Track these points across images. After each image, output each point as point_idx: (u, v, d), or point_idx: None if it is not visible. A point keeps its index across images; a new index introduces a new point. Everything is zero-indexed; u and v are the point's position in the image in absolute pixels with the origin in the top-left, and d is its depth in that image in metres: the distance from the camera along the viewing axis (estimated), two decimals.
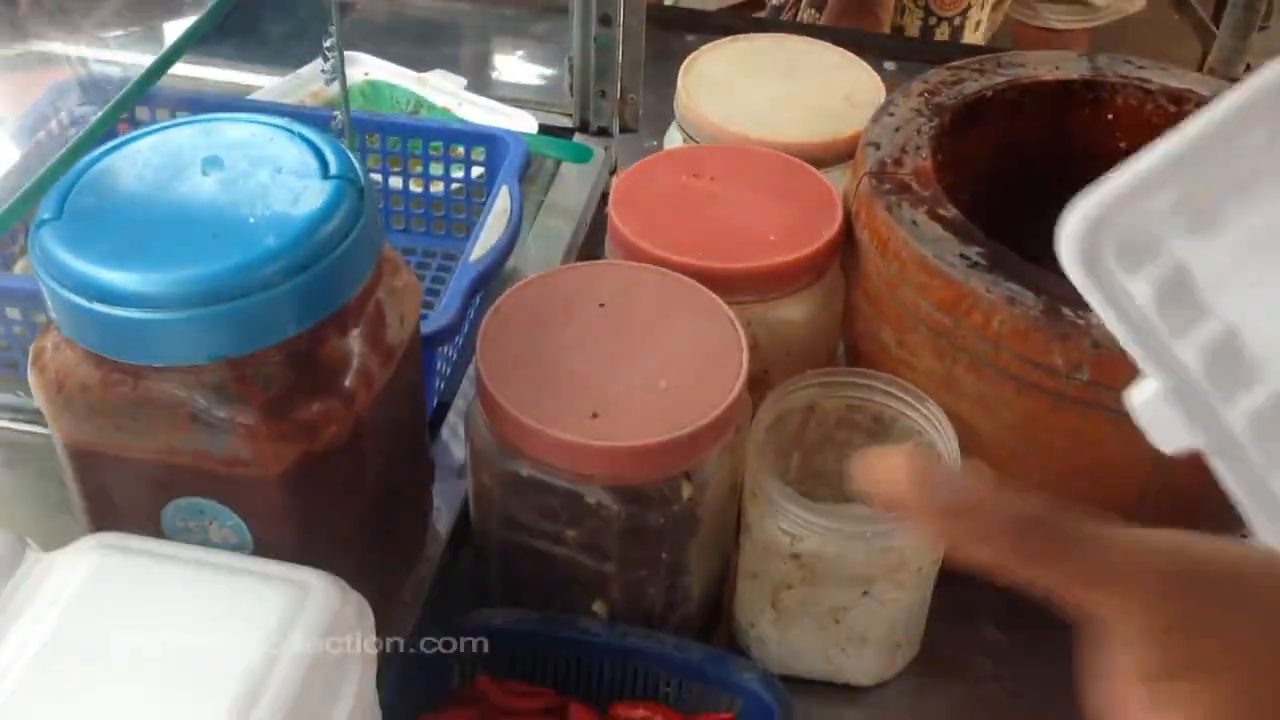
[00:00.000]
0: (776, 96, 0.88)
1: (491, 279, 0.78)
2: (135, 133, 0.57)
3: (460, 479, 0.75)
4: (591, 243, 1.03)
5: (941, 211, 0.72)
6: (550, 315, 0.66)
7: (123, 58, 1.01)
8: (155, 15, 1.08)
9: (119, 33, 1.03)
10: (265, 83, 1.08)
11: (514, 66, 1.30)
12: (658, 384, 0.63)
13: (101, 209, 0.53)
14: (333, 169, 0.55)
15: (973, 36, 1.53)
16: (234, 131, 0.57)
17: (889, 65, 1.40)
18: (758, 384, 0.76)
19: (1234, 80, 1.29)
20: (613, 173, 1.12)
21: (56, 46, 0.99)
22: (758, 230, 0.74)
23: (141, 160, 0.55)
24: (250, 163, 0.55)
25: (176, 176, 0.54)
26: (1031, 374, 0.66)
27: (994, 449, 0.70)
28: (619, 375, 0.63)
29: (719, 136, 0.85)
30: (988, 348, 0.67)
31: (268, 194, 0.53)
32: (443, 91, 1.05)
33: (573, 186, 1.04)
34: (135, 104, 0.88)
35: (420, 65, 1.15)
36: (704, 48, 0.93)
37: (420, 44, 1.31)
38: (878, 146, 0.77)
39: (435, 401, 0.79)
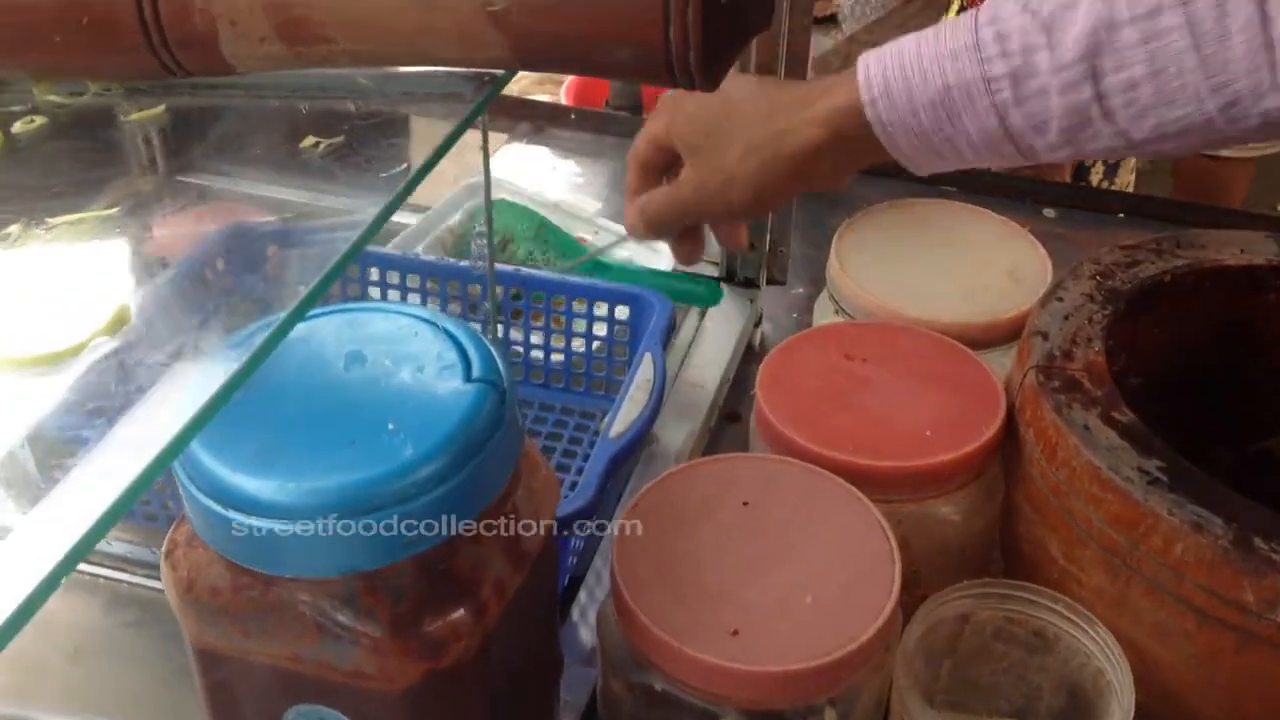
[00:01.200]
0: (934, 270, 0.84)
1: (632, 453, 0.76)
2: None
3: (588, 666, 0.72)
4: (734, 398, 1.00)
5: (1117, 415, 0.67)
6: (690, 514, 0.63)
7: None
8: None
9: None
10: (408, 218, 1.09)
11: None
12: (803, 598, 0.59)
13: (242, 403, 0.52)
14: (475, 370, 0.53)
15: (1127, 174, 1.47)
16: (378, 324, 0.55)
17: (1049, 212, 1.36)
18: (908, 585, 0.71)
19: None
20: (757, 325, 1.09)
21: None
22: (913, 423, 0.70)
23: (287, 350, 0.54)
24: (392, 359, 0.53)
25: (319, 372, 0.53)
26: (1217, 608, 0.60)
27: (1171, 682, 0.63)
28: (761, 586, 0.59)
29: (873, 312, 0.81)
30: (1168, 574, 0.61)
31: (408, 398, 0.51)
32: (577, 217, 1.04)
33: (717, 339, 1.02)
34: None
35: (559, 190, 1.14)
36: (858, 214, 0.90)
37: (558, 191, 1.31)
38: (1045, 336, 0.73)
39: (566, 579, 0.76)
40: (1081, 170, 1.42)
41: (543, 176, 1.33)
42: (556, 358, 0.92)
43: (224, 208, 0.67)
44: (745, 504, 0.64)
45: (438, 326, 0.55)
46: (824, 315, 0.87)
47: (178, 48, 0.50)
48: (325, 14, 0.50)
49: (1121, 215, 1.36)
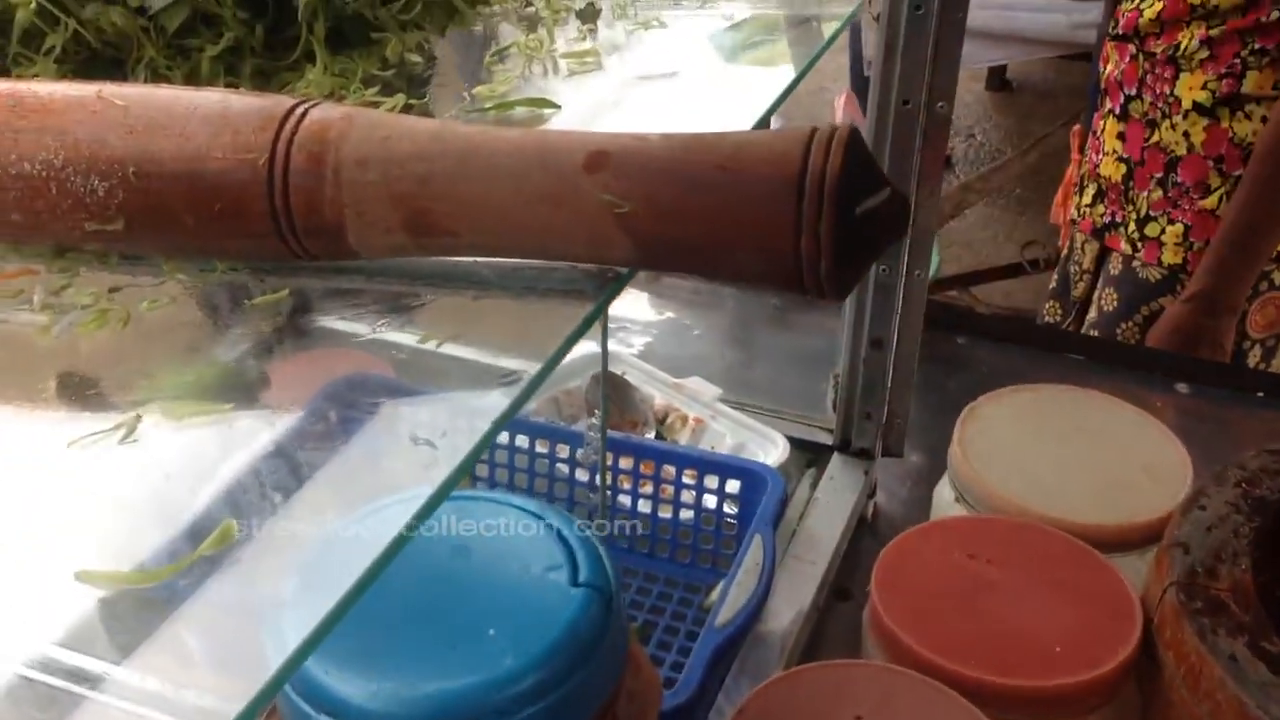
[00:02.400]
0: (1064, 463, 0.80)
1: (740, 641, 0.72)
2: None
3: None
4: (845, 572, 0.96)
5: (1267, 646, 0.62)
6: None
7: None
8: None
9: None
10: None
11: (775, 376, 1.27)
12: None
13: None
14: (582, 573, 0.51)
15: None
16: (486, 513, 0.54)
17: (1181, 387, 1.30)
18: None
19: None
20: (870, 496, 1.06)
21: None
22: (1040, 635, 0.65)
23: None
24: (498, 556, 0.52)
25: (422, 562, 0.51)
26: None
27: None
28: None
29: (998, 506, 0.77)
30: None
31: (512, 599, 0.49)
32: (697, 401, 1.02)
33: (829, 512, 0.98)
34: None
35: (665, 363, 1.13)
36: (983, 398, 0.86)
37: (680, 344, 1.30)
38: (1186, 549, 0.68)
39: None
40: (1239, 354, 1.36)
41: (655, 333, 1.32)
42: (663, 528, 0.90)
43: (342, 353, 0.66)
44: (858, 719, 0.60)
45: (546, 521, 0.54)
46: (944, 502, 0.83)
47: (305, 235, 0.51)
48: (452, 207, 0.50)
49: (1261, 395, 1.29)
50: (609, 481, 0.89)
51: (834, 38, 0.78)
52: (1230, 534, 0.69)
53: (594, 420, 0.72)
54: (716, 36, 0.82)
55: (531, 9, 0.89)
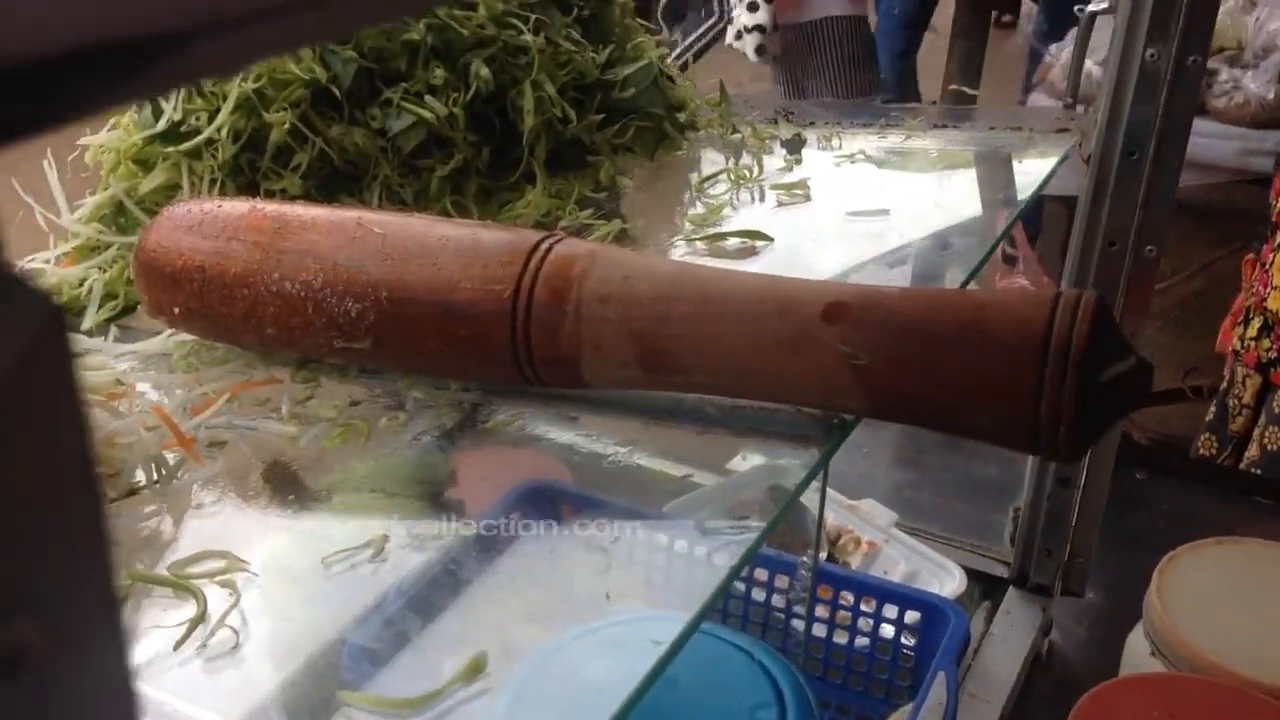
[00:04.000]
0: (1270, 623, 0.77)
1: None
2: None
3: None
4: (1019, 712, 0.93)
5: None
6: None
7: None
8: None
9: None
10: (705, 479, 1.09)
11: (947, 502, 1.25)
12: None
13: None
14: (790, 715, 0.50)
15: None
16: (699, 644, 0.54)
17: None
18: None
19: None
20: (1046, 634, 1.03)
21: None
22: None
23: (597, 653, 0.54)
24: (708, 690, 0.52)
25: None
26: None
27: None
28: None
29: (1199, 666, 0.74)
30: None
31: None
32: (871, 524, 1.01)
33: (1005, 649, 0.96)
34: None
35: (847, 486, 1.13)
36: (1183, 548, 0.84)
37: (849, 462, 1.29)
38: None
39: None
40: None
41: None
42: (837, 654, 0.89)
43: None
44: None
45: (754, 658, 0.54)
46: (1138, 654, 0.80)
47: (541, 365, 0.53)
48: (687, 347, 0.51)
49: None
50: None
51: (1047, 180, 0.78)
52: None
53: (805, 559, 0.72)
54: (926, 174, 0.83)
55: (737, 135, 0.91)
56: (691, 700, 0.52)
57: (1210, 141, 2.46)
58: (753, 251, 0.71)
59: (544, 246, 0.53)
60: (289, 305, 0.56)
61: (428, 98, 0.72)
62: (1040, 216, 2.79)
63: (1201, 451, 1.51)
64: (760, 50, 2.13)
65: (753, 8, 2.09)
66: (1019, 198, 0.75)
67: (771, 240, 0.71)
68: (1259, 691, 0.71)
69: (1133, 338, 0.90)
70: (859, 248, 0.70)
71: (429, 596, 0.45)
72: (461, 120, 0.73)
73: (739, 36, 2.12)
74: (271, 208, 0.58)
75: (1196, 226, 4.03)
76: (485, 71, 0.74)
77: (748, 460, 0.57)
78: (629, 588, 0.48)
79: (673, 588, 0.45)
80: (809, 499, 1.08)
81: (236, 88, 0.69)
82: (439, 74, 0.73)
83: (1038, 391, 0.46)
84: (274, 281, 0.56)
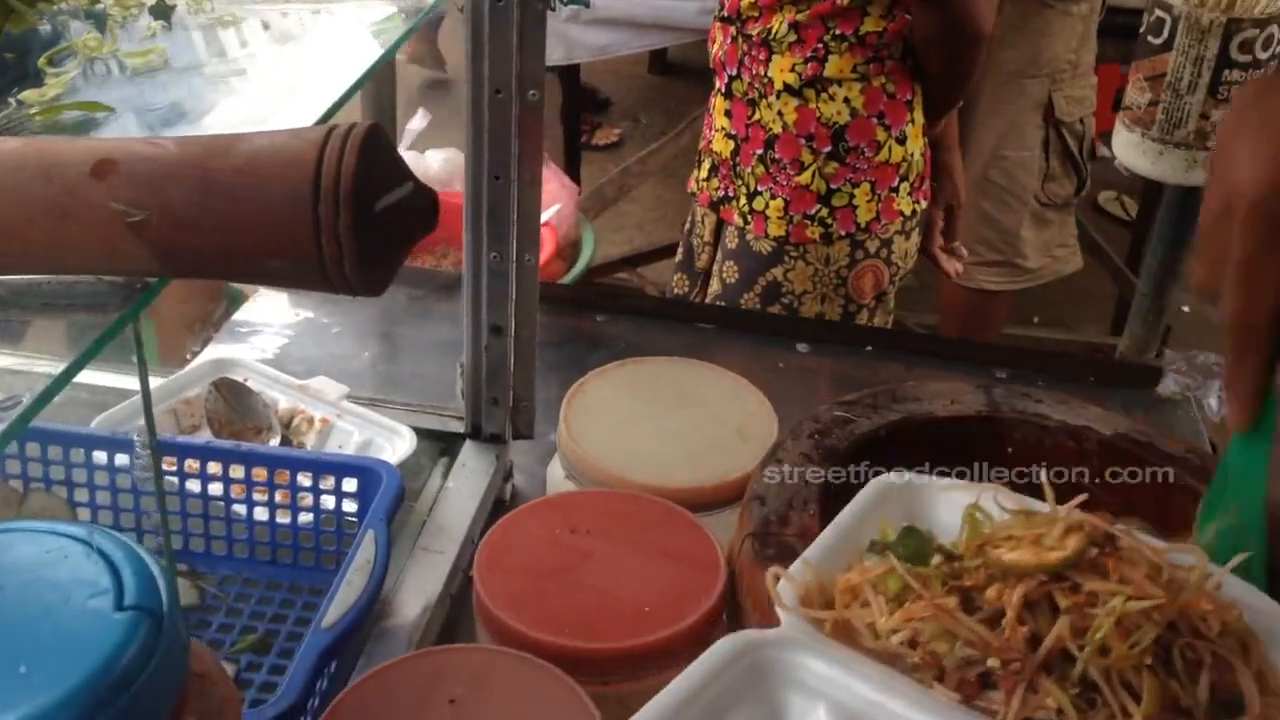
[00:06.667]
0: (665, 431, 0.85)
1: (349, 642, 0.72)
2: None
3: None
4: None
5: None
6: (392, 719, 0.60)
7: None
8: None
9: None
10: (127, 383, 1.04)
11: (416, 369, 1.27)
12: None
13: None
14: (129, 596, 0.49)
15: (885, 316, 1.54)
16: (23, 547, 0.51)
17: (802, 347, 1.40)
18: None
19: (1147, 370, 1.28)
20: (508, 479, 1.07)
21: None
22: (632, 598, 0.69)
23: None
24: (34, 589, 0.49)
25: None
26: None
27: None
28: None
29: (602, 479, 0.80)
30: None
31: (48, 632, 0.47)
32: (322, 401, 1.01)
33: (460, 500, 0.99)
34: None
35: (301, 365, 1.11)
36: (590, 374, 0.90)
37: (317, 343, 1.28)
38: (763, 501, 0.73)
39: None
40: (849, 317, 1.48)
41: (292, 335, 1.29)
42: (284, 534, 0.88)
43: None
44: (452, 702, 0.61)
45: (91, 546, 0.51)
46: (556, 480, 0.86)
47: None
48: None
49: (870, 349, 1.40)
50: (222, 492, 0.86)
51: (411, 31, 0.78)
52: (801, 483, 0.75)
53: (139, 437, 0.70)
54: (294, 31, 0.81)
55: (100, 6, 0.84)
56: (16, 601, 0.49)
57: (673, 4, 2.61)
58: (95, 125, 0.66)
59: None
60: None
61: None
62: None
63: (675, 290, 1.63)
64: None
65: None
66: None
67: (112, 110, 0.66)
68: (649, 493, 0.78)
69: (530, 182, 0.94)
70: (211, 111, 0.68)
71: None
72: None
73: None
74: None
75: (684, 85, 4.30)
76: None
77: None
78: None
79: None
80: (259, 383, 1.05)
81: None
82: None
83: (316, 228, 0.46)
84: None
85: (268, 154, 0.47)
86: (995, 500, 0.58)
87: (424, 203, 0.49)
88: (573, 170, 2.88)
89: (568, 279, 2.22)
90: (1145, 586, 0.52)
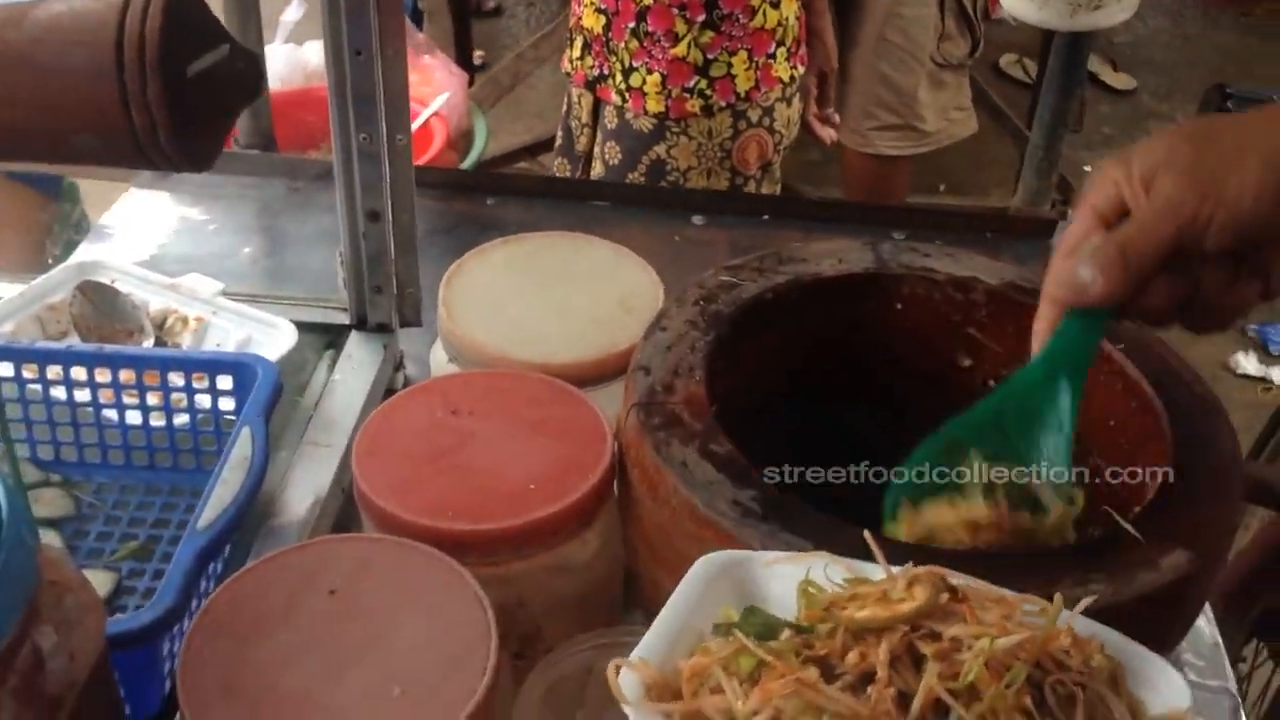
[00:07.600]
0: (547, 308, 0.83)
1: (227, 543, 0.70)
2: None
3: None
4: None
5: (714, 448, 0.67)
6: (270, 613, 0.58)
7: None
8: None
9: None
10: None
11: (300, 261, 1.22)
12: (390, 690, 0.55)
13: None
14: None
15: (772, 185, 1.52)
16: None
17: (697, 219, 1.37)
18: (530, 642, 0.70)
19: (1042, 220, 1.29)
20: (399, 369, 1.05)
21: None
22: (517, 478, 0.67)
23: None
24: None
25: None
26: None
27: None
28: (347, 682, 0.55)
29: (482, 360, 0.78)
30: None
31: None
32: (196, 299, 0.97)
33: (348, 391, 0.97)
34: None
35: (179, 265, 1.07)
36: (469, 254, 0.87)
37: (195, 242, 1.23)
38: (648, 371, 0.72)
39: (166, 693, 0.69)
40: (737, 187, 1.45)
41: (168, 234, 1.24)
42: (160, 437, 0.85)
43: None
44: (332, 593, 0.59)
45: None
46: (439, 364, 0.83)
47: None
48: None
49: (766, 217, 1.39)
50: (90, 398, 0.83)
51: None
52: (687, 350, 0.74)
53: None
54: None
55: None
56: None
57: None
58: None
59: None
60: None
61: None
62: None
63: (557, 174, 1.59)
64: None
65: None
66: None
67: None
68: (532, 370, 0.76)
69: (395, 55, 0.89)
70: None
71: None
72: None
73: None
74: None
75: None
76: None
77: None
78: None
79: None
80: (128, 284, 1.01)
81: None
82: None
83: (124, 99, 0.43)
84: None
85: (67, 19, 0.43)
86: (824, 573, 0.55)
87: (244, 65, 0.46)
88: (463, 40, 2.79)
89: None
90: (1005, 625, 0.50)
